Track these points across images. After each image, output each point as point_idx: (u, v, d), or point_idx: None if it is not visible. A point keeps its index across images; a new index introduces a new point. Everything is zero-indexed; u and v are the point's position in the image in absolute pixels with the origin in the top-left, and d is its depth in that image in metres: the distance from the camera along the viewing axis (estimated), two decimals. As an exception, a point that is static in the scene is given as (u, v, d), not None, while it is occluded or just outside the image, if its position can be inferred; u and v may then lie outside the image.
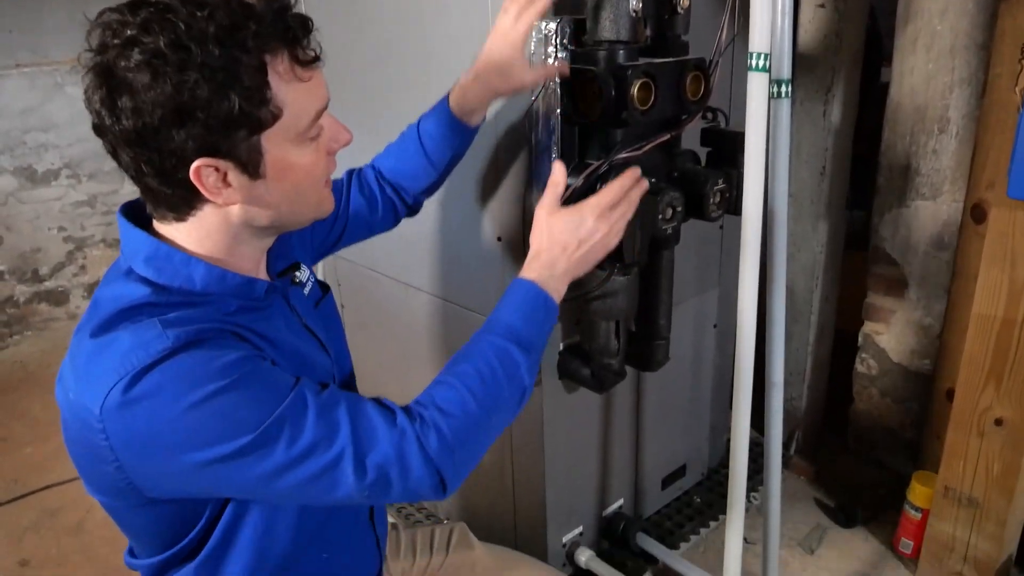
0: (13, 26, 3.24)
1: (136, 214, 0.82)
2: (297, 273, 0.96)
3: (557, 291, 0.95)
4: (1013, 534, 1.67)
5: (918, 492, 1.80)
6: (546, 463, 1.56)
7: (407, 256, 1.71)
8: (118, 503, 0.81)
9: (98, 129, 0.73)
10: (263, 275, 0.90)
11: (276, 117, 0.73)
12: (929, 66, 1.73)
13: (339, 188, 1.21)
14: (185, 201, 0.77)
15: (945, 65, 1.71)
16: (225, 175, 0.74)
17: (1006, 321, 1.50)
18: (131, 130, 0.70)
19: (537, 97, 1.27)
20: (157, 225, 0.81)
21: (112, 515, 0.85)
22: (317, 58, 0.77)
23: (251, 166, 0.75)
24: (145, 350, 0.70)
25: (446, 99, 1.19)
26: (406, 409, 0.82)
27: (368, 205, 1.22)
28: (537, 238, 0.99)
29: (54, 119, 3.41)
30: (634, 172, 1.05)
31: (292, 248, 1.01)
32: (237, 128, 0.71)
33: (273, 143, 0.75)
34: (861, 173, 2.06)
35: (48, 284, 3.58)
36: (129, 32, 0.68)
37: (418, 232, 1.61)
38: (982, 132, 1.64)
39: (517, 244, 1.42)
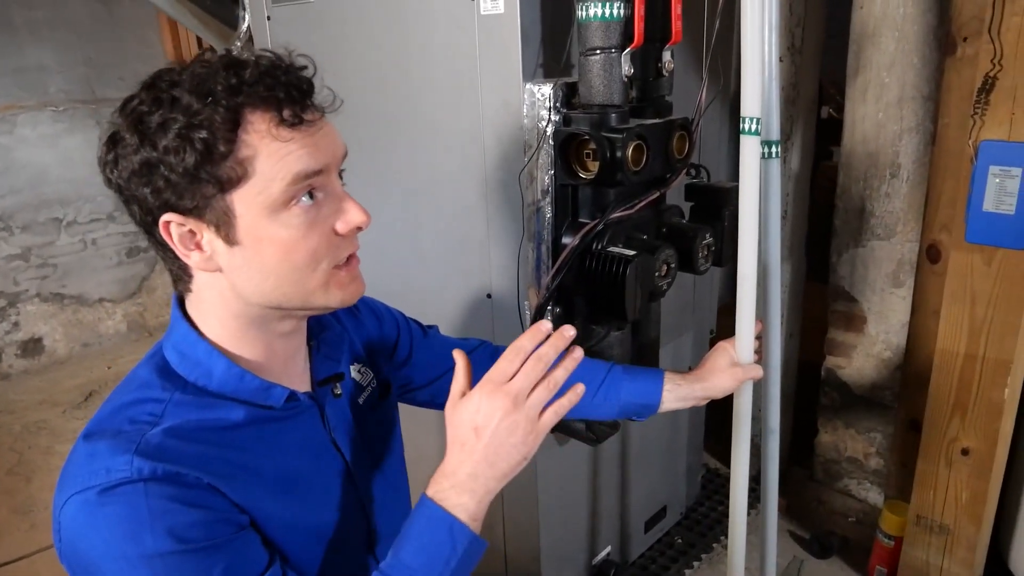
0: (-60, 74, 3.10)
1: None
2: (339, 384, 0.90)
3: (464, 505, 0.75)
4: (982, 557, 1.75)
5: (890, 521, 1.87)
6: (540, 516, 1.56)
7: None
8: None
9: (110, 188, 0.74)
10: (299, 380, 0.86)
11: (242, 177, 0.68)
12: (879, 115, 1.84)
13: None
14: (177, 266, 0.75)
15: (894, 114, 1.82)
16: (197, 236, 0.71)
17: (968, 356, 1.59)
18: (114, 183, 0.71)
19: (531, 158, 1.29)
20: (187, 305, 0.80)
21: None
22: (302, 120, 0.71)
23: (224, 229, 0.70)
24: (107, 473, 0.67)
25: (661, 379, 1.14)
26: None
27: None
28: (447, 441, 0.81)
29: (-16, 170, 3.26)
30: (537, 327, 0.79)
31: (349, 353, 0.95)
32: (199, 183, 0.68)
33: (246, 207, 0.69)
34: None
35: (-22, 343, 3.39)
36: (133, 92, 0.70)
37: (405, 288, 1.60)
38: (934, 177, 1.74)
39: (508, 302, 1.43)
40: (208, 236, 0.71)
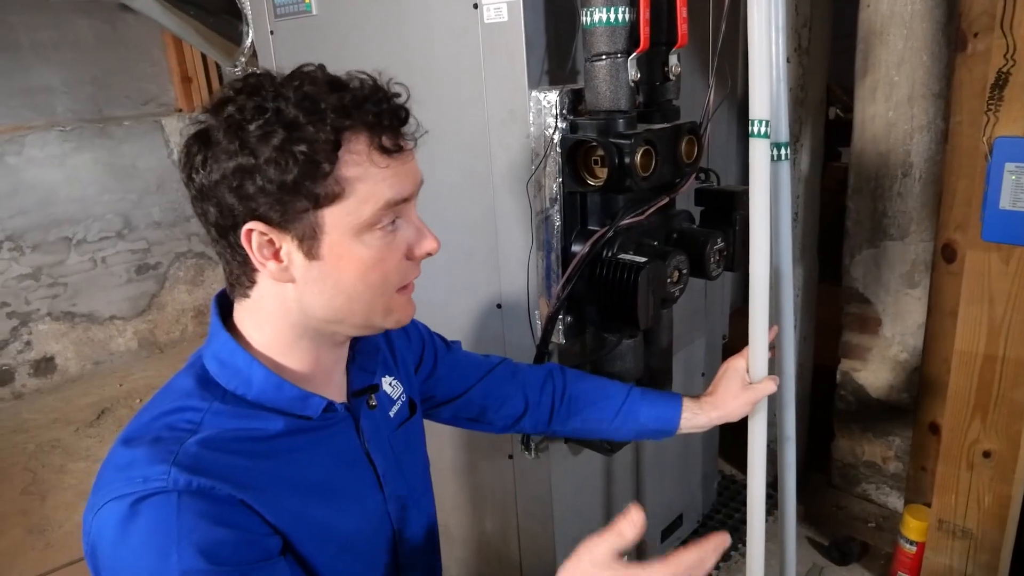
0: (-53, 96, 3.12)
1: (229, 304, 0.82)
2: (374, 396, 0.91)
3: None
4: (1006, 560, 1.71)
5: (911, 526, 1.83)
6: (555, 528, 1.53)
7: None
8: None
9: (185, 185, 0.74)
10: (336, 390, 0.86)
11: (338, 196, 0.70)
12: (889, 114, 1.81)
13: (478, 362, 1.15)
14: (244, 271, 0.75)
15: (904, 113, 1.79)
16: (277, 246, 0.72)
17: (988, 357, 1.56)
18: (196, 183, 0.71)
19: (538, 167, 1.28)
20: (235, 312, 0.80)
21: None
22: (400, 149, 0.74)
23: (308, 244, 0.71)
24: (144, 482, 0.68)
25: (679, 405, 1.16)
26: None
27: (497, 398, 1.13)
28: None
29: (-6, 190, 3.28)
30: (719, 540, 0.73)
31: (383, 366, 0.95)
32: (294, 198, 0.69)
33: (335, 225, 0.71)
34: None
35: (-10, 363, 3.40)
36: (228, 93, 0.70)
37: (415, 299, 1.58)
38: (947, 176, 1.72)
39: (519, 312, 1.41)
40: (288, 248, 0.72)
